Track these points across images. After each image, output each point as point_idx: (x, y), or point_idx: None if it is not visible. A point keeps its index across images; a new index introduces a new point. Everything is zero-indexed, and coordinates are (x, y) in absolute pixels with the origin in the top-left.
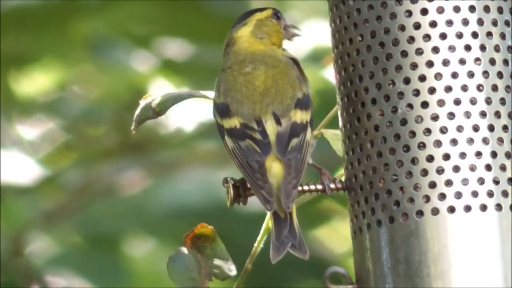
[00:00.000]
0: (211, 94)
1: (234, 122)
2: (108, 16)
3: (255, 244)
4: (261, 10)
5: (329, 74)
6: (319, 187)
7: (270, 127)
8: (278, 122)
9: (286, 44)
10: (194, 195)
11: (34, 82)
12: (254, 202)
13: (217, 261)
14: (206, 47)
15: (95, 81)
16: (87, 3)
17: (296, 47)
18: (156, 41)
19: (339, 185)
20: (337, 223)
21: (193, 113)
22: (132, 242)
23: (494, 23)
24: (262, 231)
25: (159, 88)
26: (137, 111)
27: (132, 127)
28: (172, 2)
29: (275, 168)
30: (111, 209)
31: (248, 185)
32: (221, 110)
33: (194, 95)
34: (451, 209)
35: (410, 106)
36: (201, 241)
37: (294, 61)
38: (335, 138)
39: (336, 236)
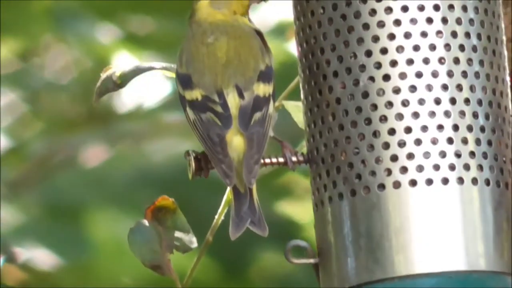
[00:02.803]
0: (171, 67)
1: (195, 94)
2: None
3: (216, 217)
4: None
5: (292, 46)
6: (281, 160)
7: (232, 100)
8: (240, 95)
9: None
10: (156, 167)
11: None
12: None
13: (178, 233)
14: (169, 19)
15: (57, 52)
16: None
17: (260, 20)
18: (119, 14)
19: (301, 158)
20: (300, 196)
21: (154, 85)
22: (94, 213)
23: None
24: (222, 204)
25: (122, 60)
26: (98, 83)
27: (93, 99)
28: None
29: (236, 142)
30: (73, 180)
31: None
32: (183, 81)
33: (155, 67)
34: (413, 182)
35: (371, 79)
36: (162, 213)
37: (257, 32)
38: (296, 109)
39: (299, 209)
